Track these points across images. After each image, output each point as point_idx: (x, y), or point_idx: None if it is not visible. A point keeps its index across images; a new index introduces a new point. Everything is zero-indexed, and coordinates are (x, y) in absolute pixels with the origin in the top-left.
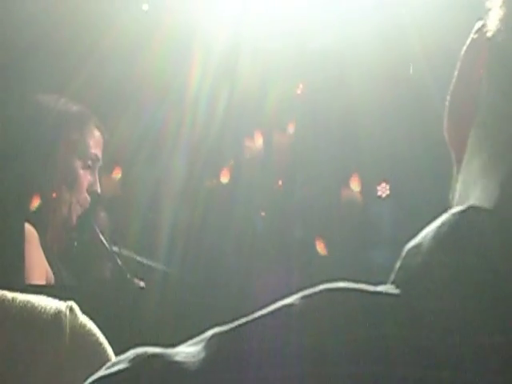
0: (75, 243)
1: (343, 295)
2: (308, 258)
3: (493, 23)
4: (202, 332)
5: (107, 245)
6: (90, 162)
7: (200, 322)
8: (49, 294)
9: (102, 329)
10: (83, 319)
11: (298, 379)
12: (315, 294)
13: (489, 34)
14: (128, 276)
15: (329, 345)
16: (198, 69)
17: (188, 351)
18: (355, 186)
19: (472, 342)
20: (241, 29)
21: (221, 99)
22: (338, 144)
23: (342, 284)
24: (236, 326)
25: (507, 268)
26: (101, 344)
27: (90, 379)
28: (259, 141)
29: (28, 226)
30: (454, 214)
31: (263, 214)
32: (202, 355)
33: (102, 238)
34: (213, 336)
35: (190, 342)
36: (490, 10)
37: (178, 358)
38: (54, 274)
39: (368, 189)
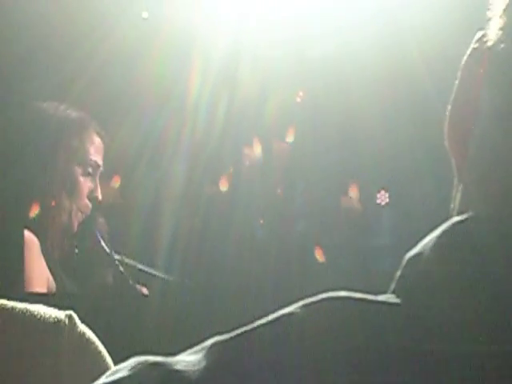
0: (76, 250)
1: (344, 304)
2: (307, 265)
3: (493, 32)
4: (203, 340)
5: (109, 251)
6: (90, 169)
7: (200, 330)
8: (50, 302)
9: (104, 336)
10: (82, 328)
11: None
12: (315, 302)
13: (489, 44)
14: (130, 282)
15: (329, 354)
16: (198, 76)
17: (188, 360)
18: (354, 193)
19: (472, 351)
20: (240, 36)
21: (221, 106)
22: (338, 152)
23: (342, 293)
24: (236, 335)
25: (507, 278)
26: (100, 352)
27: None
28: (259, 148)
29: (28, 233)
30: (454, 224)
31: (262, 221)
32: (203, 364)
33: (104, 245)
34: (213, 345)
35: (191, 350)
36: (490, 19)
37: (178, 367)
38: (55, 281)
39: (367, 197)
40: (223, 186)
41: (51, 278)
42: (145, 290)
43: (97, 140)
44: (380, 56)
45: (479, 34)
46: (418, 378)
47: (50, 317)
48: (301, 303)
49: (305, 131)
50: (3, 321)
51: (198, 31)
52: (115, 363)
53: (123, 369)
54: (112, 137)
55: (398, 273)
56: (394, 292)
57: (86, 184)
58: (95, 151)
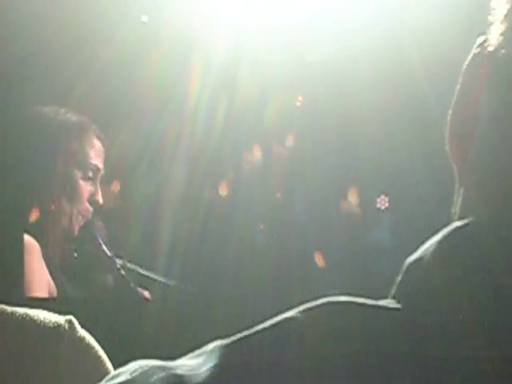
0: (75, 254)
1: (344, 309)
2: (307, 270)
3: (494, 38)
4: (203, 344)
5: (111, 255)
6: (90, 172)
7: (201, 334)
8: (50, 307)
9: (105, 340)
10: (82, 333)
11: None
12: (316, 307)
13: (490, 49)
14: (132, 286)
15: (329, 358)
16: (198, 80)
17: (189, 364)
18: (354, 198)
19: (472, 356)
20: (240, 41)
21: (220, 110)
22: (338, 156)
23: (343, 298)
24: (237, 339)
25: (508, 283)
26: (99, 357)
27: None
28: (258, 153)
29: (29, 238)
30: (454, 229)
31: (262, 226)
32: (204, 368)
33: (105, 249)
34: (214, 349)
35: (192, 354)
36: (491, 24)
37: (179, 371)
38: (56, 286)
39: (367, 201)
40: (223, 191)
41: (52, 282)
42: (146, 294)
43: (97, 144)
44: (380, 60)
45: (480, 39)
46: (417, 383)
47: (49, 322)
48: (301, 307)
49: (304, 135)
50: (3, 326)
51: (197, 35)
52: (115, 368)
53: (124, 373)
54: (112, 141)
55: (399, 278)
56: (394, 297)
57: (86, 188)
58: (95, 155)
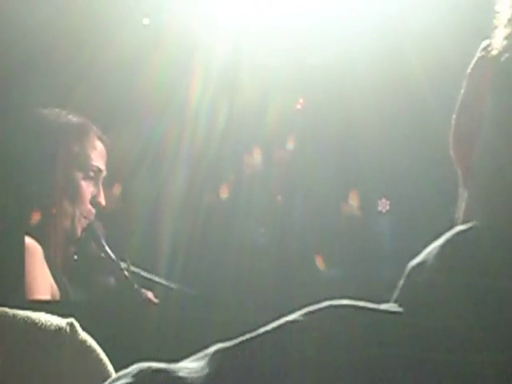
0: (75, 257)
1: (346, 312)
2: (308, 273)
3: (498, 42)
4: (205, 347)
5: (114, 257)
6: (92, 174)
7: (202, 337)
8: (53, 310)
9: (106, 343)
10: (83, 336)
11: None
12: (318, 310)
13: (494, 53)
14: (135, 287)
15: (331, 362)
16: (198, 83)
17: (191, 366)
18: (355, 201)
19: (474, 360)
20: (240, 44)
21: (221, 114)
22: (339, 159)
23: (345, 301)
24: (239, 342)
25: (510, 288)
26: (101, 360)
27: None
28: (259, 156)
29: (31, 240)
30: (457, 233)
31: (263, 229)
32: (206, 371)
33: (109, 251)
34: (216, 351)
35: (193, 357)
36: (495, 28)
37: (181, 374)
38: (58, 288)
39: (368, 204)
40: (224, 194)
41: (55, 285)
42: (150, 295)
43: (99, 145)
44: (380, 64)
45: (484, 43)
46: None
47: (51, 324)
48: (303, 311)
49: (305, 139)
50: (4, 329)
51: (198, 38)
52: (117, 371)
53: (126, 375)
54: (113, 143)
55: (401, 282)
56: (396, 301)
57: (88, 189)
58: (97, 156)
